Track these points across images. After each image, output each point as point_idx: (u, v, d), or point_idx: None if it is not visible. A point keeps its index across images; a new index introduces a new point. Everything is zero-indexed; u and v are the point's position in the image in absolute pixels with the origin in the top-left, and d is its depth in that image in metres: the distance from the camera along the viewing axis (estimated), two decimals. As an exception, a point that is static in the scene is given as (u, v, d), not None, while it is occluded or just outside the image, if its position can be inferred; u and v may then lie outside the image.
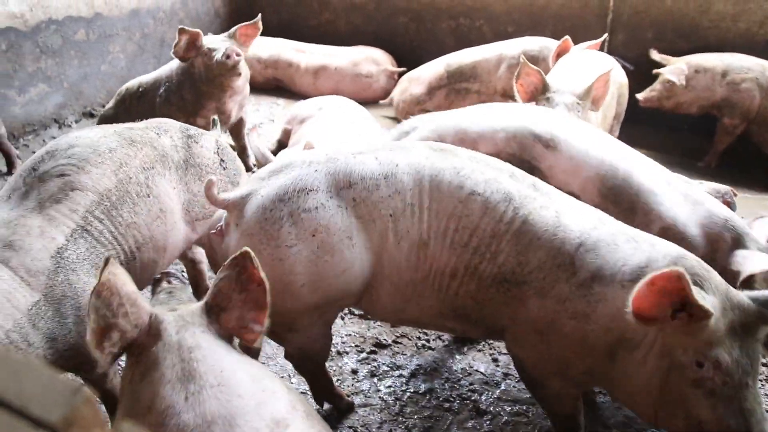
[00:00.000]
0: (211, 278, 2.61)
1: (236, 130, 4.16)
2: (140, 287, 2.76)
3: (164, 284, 1.77)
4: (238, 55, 3.71)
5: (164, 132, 2.29)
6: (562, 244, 1.78)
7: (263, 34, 5.79)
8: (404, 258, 1.87)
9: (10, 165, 4.01)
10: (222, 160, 2.43)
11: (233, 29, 3.85)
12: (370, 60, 5.23)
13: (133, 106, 4.07)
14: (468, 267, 1.85)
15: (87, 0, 4.73)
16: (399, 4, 5.57)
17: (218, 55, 3.70)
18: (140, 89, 4.09)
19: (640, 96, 4.29)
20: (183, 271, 2.79)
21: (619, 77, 3.89)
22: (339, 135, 3.42)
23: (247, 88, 4.11)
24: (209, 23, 5.77)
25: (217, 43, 3.79)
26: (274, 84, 5.43)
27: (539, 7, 5.10)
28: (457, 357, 2.61)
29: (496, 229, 1.82)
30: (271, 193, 1.86)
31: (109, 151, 2.04)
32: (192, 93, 3.91)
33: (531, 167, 2.34)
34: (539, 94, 3.09)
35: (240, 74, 3.82)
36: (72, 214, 1.88)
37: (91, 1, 4.75)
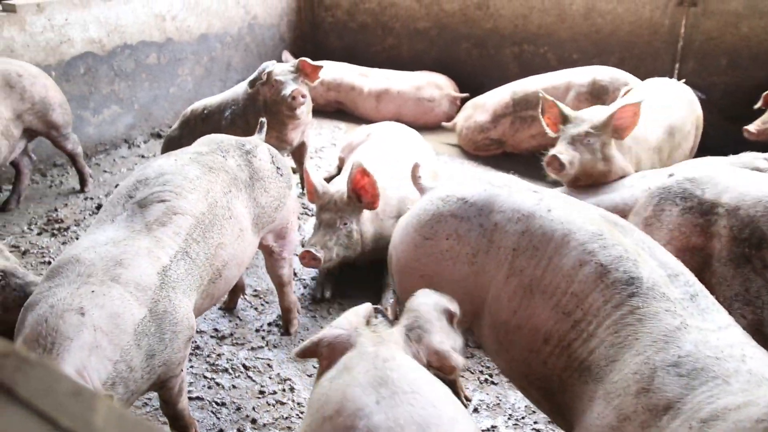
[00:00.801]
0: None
1: (298, 155, 4.19)
2: (219, 302, 2.87)
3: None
4: (303, 96, 3.67)
5: (227, 153, 2.42)
6: (663, 356, 1.49)
7: (327, 57, 5.92)
8: (507, 296, 1.84)
9: (83, 183, 4.16)
10: (277, 167, 2.57)
11: (298, 61, 3.80)
12: (433, 85, 5.23)
13: (197, 128, 4.14)
14: (562, 339, 1.71)
15: (160, 26, 4.89)
16: (462, 30, 5.57)
17: (285, 92, 3.68)
18: (205, 111, 4.16)
19: (750, 128, 4.00)
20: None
21: (696, 108, 3.77)
22: (387, 160, 3.39)
23: (310, 115, 4.12)
24: (273, 48, 5.89)
25: (285, 76, 3.75)
26: (336, 107, 5.48)
27: (606, 34, 5.00)
28: (521, 393, 2.53)
29: (601, 308, 1.66)
30: (441, 194, 2.08)
31: (197, 178, 2.20)
32: (256, 118, 3.93)
33: None
34: (561, 125, 3.05)
35: (300, 118, 3.81)
36: (176, 236, 2.05)
37: (163, 27, 4.91)
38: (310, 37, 6.19)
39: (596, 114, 3.06)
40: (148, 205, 2.08)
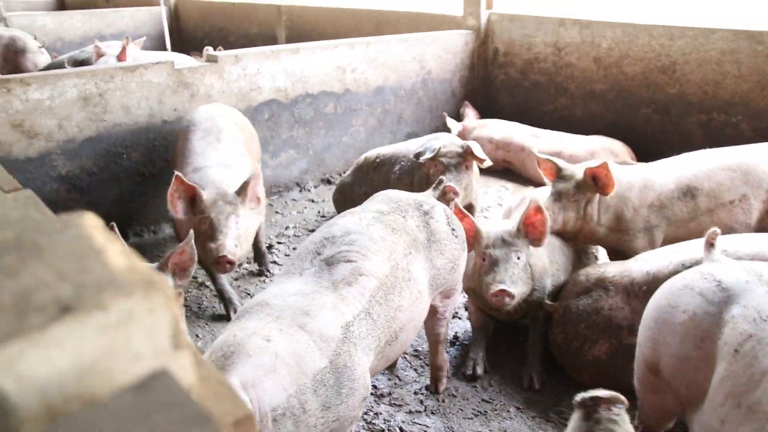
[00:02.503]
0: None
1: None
2: (393, 366, 2.85)
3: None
4: (455, 194, 3.53)
5: (406, 213, 2.44)
6: None
7: (497, 114, 5.87)
8: (718, 400, 1.68)
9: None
10: (453, 229, 2.54)
11: (466, 146, 3.71)
12: (608, 150, 4.97)
13: (368, 176, 4.25)
14: None
15: (340, 77, 5.10)
16: (642, 94, 5.29)
17: (444, 184, 3.64)
18: (377, 160, 4.26)
19: None
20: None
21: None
22: None
23: (477, 171, 4.06)
24: (445, 102, 5.94)
25: (450, 159, 3.71)
26: (504, 166, 5.38)
27: (813, 106, 4.52)
28: None
29: None
30: (707, 268, 2.01)
31: (381, 239, 2.23)
32: (421, 178, 3.94)
33: None
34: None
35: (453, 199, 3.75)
36: (360, 297, 2.08)
37: (343, 79, 5.12)
38: (482, 93, 6.19)
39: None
40: (335, 263, 2.14)
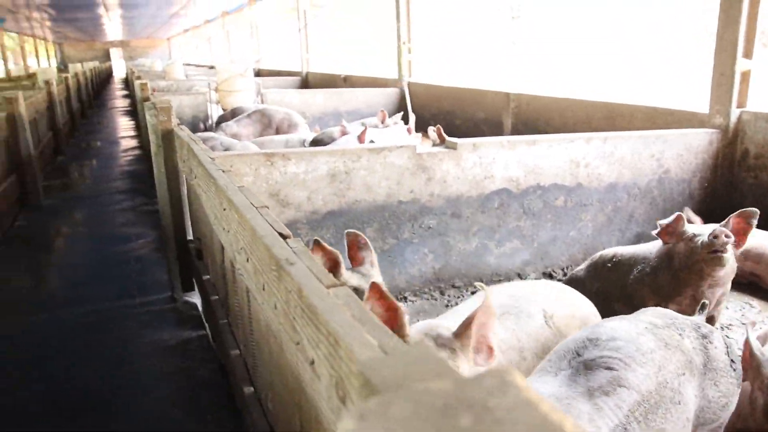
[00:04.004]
0: None
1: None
2: None
3: None
4: (727, 237, 3.33)
5: (682, 331, 2.24)
6: None
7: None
8: None
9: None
10: (732, 360, 2.30)
11: (728, 219, 3.56)
12: None
13: (602, 274, 4.08)
14: None
15: (573, 171, 5.01)
16: None
17: (703, 239, 3.45)
18: (614, 260, 4.08)
19: None
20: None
21: None
22: None
23: (729, 284, 3.71)
24: (681, 204, 5.55)
25: (700, 229, 3.57)
26: (751, 279, 4.85)
27: None
28: None
29: None
30: None
31: (650, 352, 2.06)
32: (668, 278, 3.72)
33: None
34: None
35: (724, 265, 3.47)
36: (617, 409, 1.92)
37: (576, 173, 5.02)
38: (723, 197, 5.70)
39: None
40: (595, 368, 2.01)
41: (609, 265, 4.08)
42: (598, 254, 4.25)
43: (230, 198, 2.03)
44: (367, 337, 0.96)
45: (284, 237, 1.55)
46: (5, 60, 24.70)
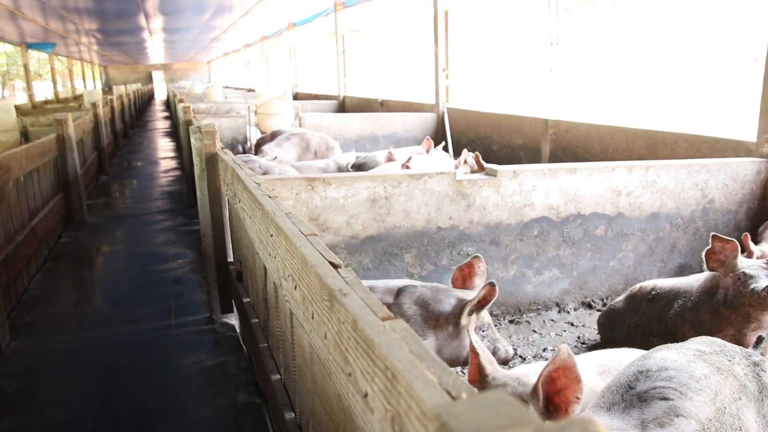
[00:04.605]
0: None
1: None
2: None
3: None
4: None
5: (732, 358, 2.17)
6: None
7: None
8: None
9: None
10: None
11: None
12: None
13: (640, 306, 4.00)
14: None
15: (614, 200, 4.95)
16: None
17: (756, 285, 3.34)
18: (653, 292, 3.99)
19: None
20: None
21: None
22: None
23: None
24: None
25: (756, 270, 3.45)
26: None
27: None
28: None
29: None
30: None
31: (704, 378, 2.00)
32: (710, 314, 3.62)
33: None
34: None
35: None
36: None
37: (617, 201, 4.96)
38: (771, 229, 5.55)
39: None
40: (649, 400, 1.94)
41: (648, 297, 3.99)
42: (637, 286, 4.17)
43: (278, 225, 2.05)
44: (427, 374, 0.96)
45: (335, 266, 1.56)
46: (54, 82, 25.55)
